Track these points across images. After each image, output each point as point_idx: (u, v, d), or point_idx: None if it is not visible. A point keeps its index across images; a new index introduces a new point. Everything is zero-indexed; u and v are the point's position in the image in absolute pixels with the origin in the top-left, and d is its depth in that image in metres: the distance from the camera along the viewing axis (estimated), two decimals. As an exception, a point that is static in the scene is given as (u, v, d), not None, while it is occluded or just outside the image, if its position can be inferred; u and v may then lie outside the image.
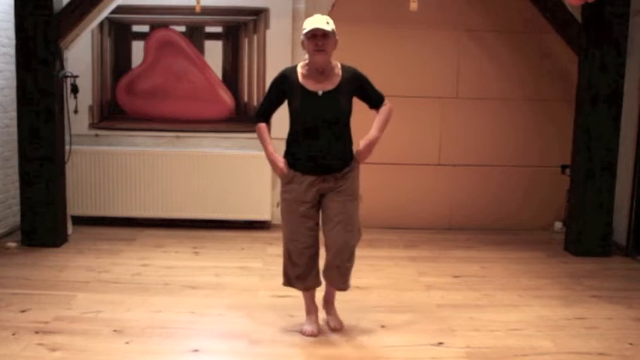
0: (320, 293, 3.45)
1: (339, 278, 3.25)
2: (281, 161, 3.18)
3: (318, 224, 3.26)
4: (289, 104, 3.17)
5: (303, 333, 3.30)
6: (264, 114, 3.26)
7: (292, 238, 3.20)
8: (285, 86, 3.16)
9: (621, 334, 3.41)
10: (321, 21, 3.03)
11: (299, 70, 3.17)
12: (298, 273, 3.25)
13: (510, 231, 5.63)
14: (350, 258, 3.23)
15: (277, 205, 3.31)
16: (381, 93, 3.29)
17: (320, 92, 3.11)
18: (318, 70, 3.12)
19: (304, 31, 3.05)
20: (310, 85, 3.12)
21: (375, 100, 3.27)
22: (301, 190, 3.16)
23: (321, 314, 3.46)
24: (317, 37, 3.02)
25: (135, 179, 5.40)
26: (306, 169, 3.14)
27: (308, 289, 3.34)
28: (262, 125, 3.24)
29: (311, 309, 3.37)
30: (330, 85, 3.13)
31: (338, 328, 3.38)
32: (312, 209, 3.20)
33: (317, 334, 3.29)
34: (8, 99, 4.98)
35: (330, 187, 3.18)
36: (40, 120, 4.61)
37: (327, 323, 3.42)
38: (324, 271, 3.31)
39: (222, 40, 5.46)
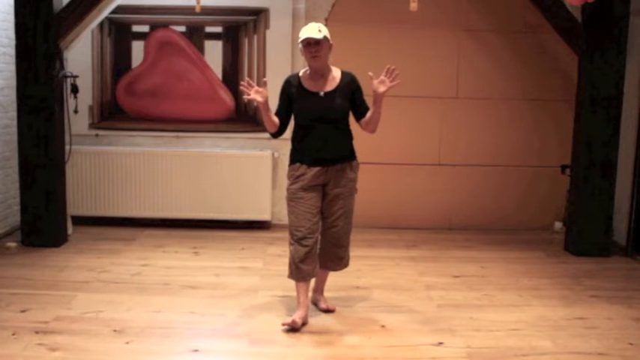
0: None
1: (340, 261, 3.61)
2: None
3: (320, 213, 3.47)
4: (294, 105, 3.44)
5: (283, 323, 3.38)
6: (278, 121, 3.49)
7: (298, 225, 3.39)
8: (290, 91, 3.45)
9: (621, 334, 3.41)
10: (313, 30, 3.30)
11: (301, 74, 3.47)
12: (302, 257, 3.38)
13: (510, 231, 5.63)
14: (348, 245, 3.61)
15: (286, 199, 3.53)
16: (368, 106, 3.48)
17: (322, 93, 3.40)
18: (318, 74, 3.41)
19: (299, 41, 3.35)
20: (312, 87, 3.42)
21: (362, 109, 3.48)
22: (306, 181, 3.40)
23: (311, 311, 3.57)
24: (310, 45, 3.31)
25: (135, 179, 5.40)
26: (311, 161, 3.39)
27: (306, 278, 3.44)
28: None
29: (301, 303, 3.45)
30: (329, 87, 3.42)
31: (332, 309, 3.64)
32: (316, 198, 3.43)
33: (298, 325, 3.34)
34: (8, 99, 4.98)
35: (332, 177, 3.43)
36: (40, 120, 4.61)
37: (319, 307, 3.67)
38: (324, 260, 3.57)
39: (222, 40, 5.46)
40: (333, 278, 3.79)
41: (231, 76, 5.48)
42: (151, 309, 3.60)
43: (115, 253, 4.66)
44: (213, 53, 5.46)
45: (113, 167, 5.38)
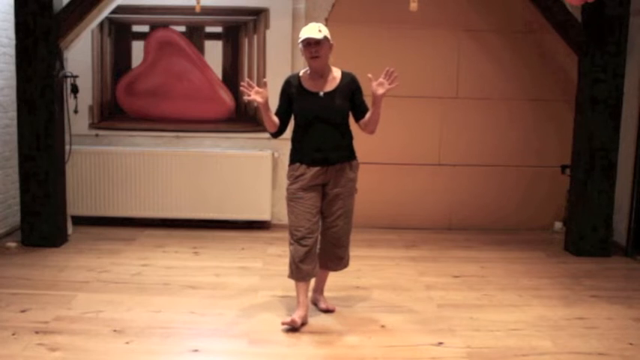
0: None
1: (340, 261, 3.61)
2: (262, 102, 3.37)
3: (319, 213, 3.47)
4: (294, 105, 3.45)
5: (283, 322, 3.38)
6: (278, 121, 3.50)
7: (298, 224, 3.40)
8: (290, 91, 3.46)
9: (621, 334, 3.41)
10: (313, 30, 3.31)
11: (301, 74, 3.47)
12: (302, 257, 3.37)
13: (510, 231, 5.63)
14: (348, 245, 3.60)
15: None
16: (368, 107, 3.46)
17: (321, 93, 3.40)
18: (317, 74, 3.42)
19: (299, 41, 3.35)
20: (312, 87, 3.43)
21: (362, 110, 3.47)
22: (306, 180, 3.40)
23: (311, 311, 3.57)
24: (311, 45, 3.32)
25: (135, 179, 5.40)
26: (311, 161, 3.39)
27: (306, 277, 3.44)
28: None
29: (301, 302, 3.44)
30: (329, 87, 3.42)
31: (331, 309, 3.64)
32: (316, 198, 3.43)
33: (297, 325, 3.34)
34: (8, 99, 4.98)
35: (331, 177, 3.43)
36: (40, 120, 4.61)
37: (319, 307, 3.66)
38: (324, 260, 3.56)
39: (222, 40, 5.46)
40: (333, 278, 3.79)
41: (231, 76, 5.48)
42: (151, 309, 3.60)
43: (115, 253, 4.66)
44: (213, 53, 5.46)
45: (113, 167, 5.38)
